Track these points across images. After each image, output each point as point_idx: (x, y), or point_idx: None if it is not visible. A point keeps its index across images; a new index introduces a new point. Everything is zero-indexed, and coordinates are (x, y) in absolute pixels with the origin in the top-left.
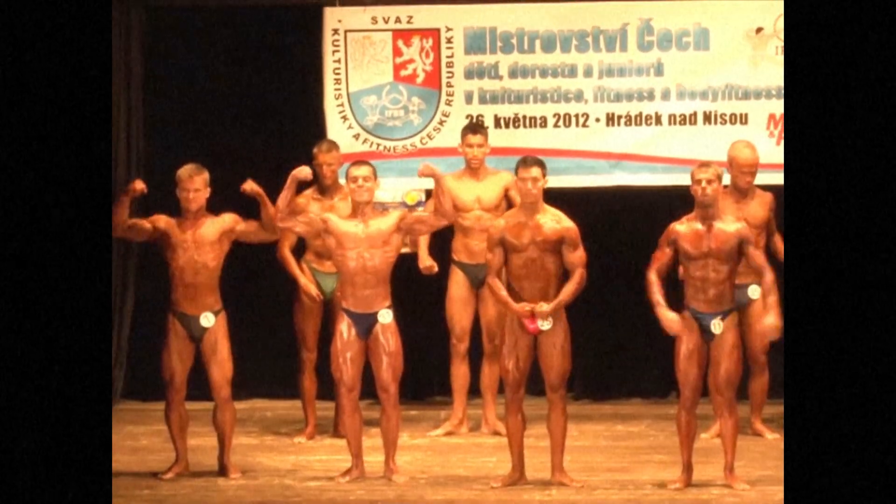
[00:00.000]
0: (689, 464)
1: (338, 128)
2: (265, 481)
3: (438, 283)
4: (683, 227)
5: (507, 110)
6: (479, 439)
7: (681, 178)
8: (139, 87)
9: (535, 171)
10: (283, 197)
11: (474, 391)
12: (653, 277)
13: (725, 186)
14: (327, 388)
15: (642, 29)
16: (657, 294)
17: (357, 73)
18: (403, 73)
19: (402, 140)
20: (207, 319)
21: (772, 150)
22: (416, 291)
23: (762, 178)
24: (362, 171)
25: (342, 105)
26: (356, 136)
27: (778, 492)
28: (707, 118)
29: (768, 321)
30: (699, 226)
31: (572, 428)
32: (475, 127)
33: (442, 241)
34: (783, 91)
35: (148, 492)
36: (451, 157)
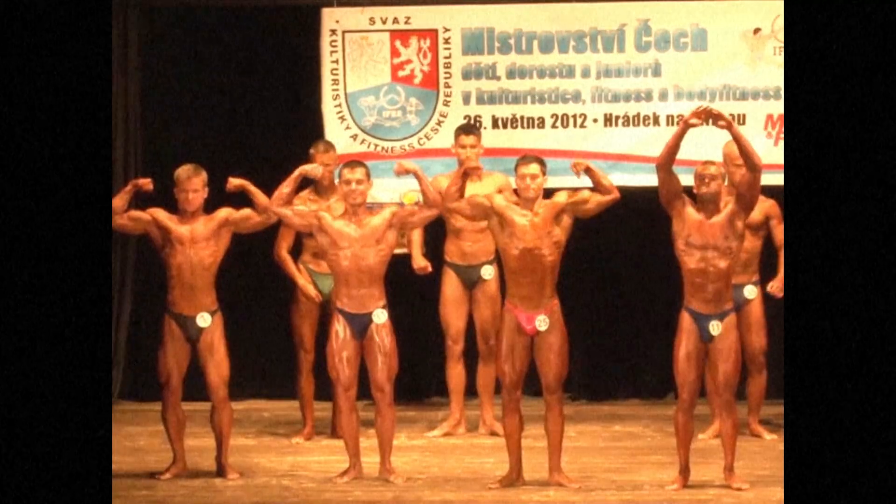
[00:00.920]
0: (687, 465)
1: (335, 128)
2: (263, 482)
3: (433, 283)
4: (693, 208)
5: (504, 111)
6: (477, 440)
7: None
8: (137, 88)
9: (534, 168)
10: (285, 184)
11: (471, 392)
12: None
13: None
14: (325, 388)
15: (640, 30)
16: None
17: (355, 74)
18: (401, 73)
19: (400, 140)
20: (204, 320)
21: (770, 151)
22: (411, 293)
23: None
24: (356, 173)
25: (340, 105)
26: (354, 137)
27: (776, 492)
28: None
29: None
30: (702, 217)
31: (570, 428)
32: (468, 128)
33: (434, 243)
34: (781, 91)
35: (146, 492)
36: (449, 158)
